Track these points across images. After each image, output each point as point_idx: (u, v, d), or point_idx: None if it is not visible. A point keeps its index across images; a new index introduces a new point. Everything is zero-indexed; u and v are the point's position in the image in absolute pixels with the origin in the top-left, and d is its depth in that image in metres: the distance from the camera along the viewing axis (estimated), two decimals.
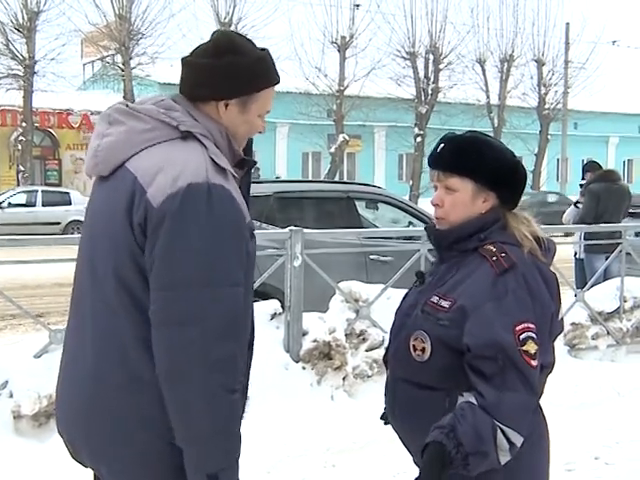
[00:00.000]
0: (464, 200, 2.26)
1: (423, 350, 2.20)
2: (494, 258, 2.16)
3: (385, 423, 2.53)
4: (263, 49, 2.17)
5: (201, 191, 1.94)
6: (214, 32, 2.18)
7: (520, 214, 2.33)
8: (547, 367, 2.25)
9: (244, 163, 2.18)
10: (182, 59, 2.15)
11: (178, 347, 1.91)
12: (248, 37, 2.21)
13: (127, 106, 2.12)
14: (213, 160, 2.01)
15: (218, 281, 1.94)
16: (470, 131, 2.40)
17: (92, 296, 2.09)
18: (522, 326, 2.07)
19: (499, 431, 2.03)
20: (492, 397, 2.05)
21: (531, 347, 2.06)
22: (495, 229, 2.26)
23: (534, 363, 2.07)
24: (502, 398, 2.04)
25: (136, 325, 1.99)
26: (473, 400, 2.07)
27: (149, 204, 1.94)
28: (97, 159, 2.10)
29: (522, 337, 2.06)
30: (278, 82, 2.18)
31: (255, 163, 2.24)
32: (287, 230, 5.61)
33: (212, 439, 1.94)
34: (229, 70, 2.07)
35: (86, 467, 2.21)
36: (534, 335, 2.08)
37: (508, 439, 2.03)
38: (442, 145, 2.31)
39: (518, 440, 2.05)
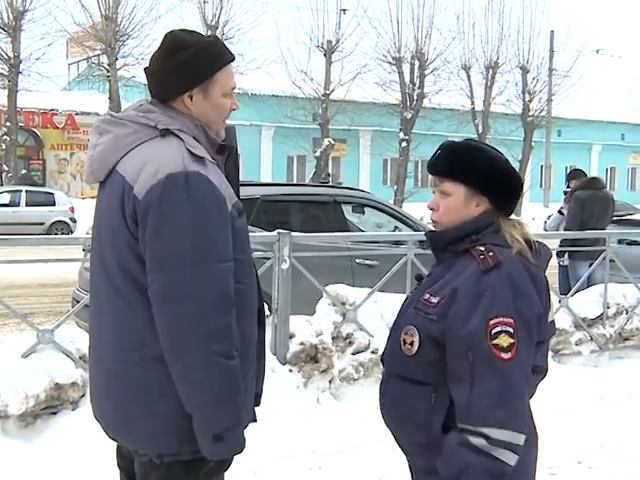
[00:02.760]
0: (457, 204, 2.33)
1: (412, 344, 2.28)
2: (481, 257, 2.24)
3: None
4: (210, 36, 2.44)
5: (179, 179, 2.16)
6: (164, 36, 2.41)
7: (514, 219, 2.40)
8: (537, 371, 2.31)
9: (224, 148, 2.42)
10: (144, 69, 2.42)
11: (176, 323, 2.14)
12: (196, 31, 2.46)
13: (112, 116, 2.39)
14: (190, 151, 2.23)
15: (205, 258, 2.15)
16: (467, 139, 2.48)
17: (106, 288, 2.31)
18: (496, 321, 2.13)
19: (470, 436, 2.10)
20: (462, 403, 2.14)
21: (503, 340, 2.12)
22: (488, 232, 2.32)
23: (506, 356, 2.12)
24: (471, 401, 2.12)
25: (145, 309, 2.20)
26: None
27: (136, 198, 2.18)
28: (92, 167, 2.37)
29: (494, 331, 2.12)
30: (232, 60, 2.41)
31: (233, 148, 2.47)
32: (275, 233, 5.62)
33: (216, 403, 2.17)
34: (180, 65, 2.30)
35: (117, 442, 2.46)
36: (510, 329, 2.13)
37: (487, 438, 2.09)
38: (438, 151, 2.39)
39: (499, 434, 2.09)
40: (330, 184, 16.68)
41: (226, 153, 2.43)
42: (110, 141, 2.31)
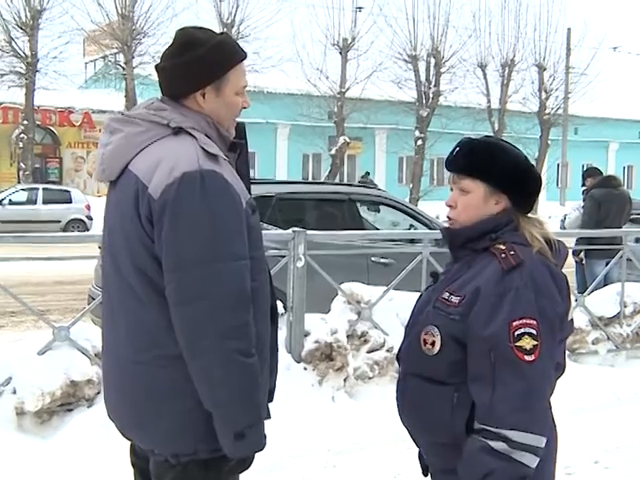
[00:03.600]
0: (476, 202, 2.31)
1: (433, 344, 2.26)
2: (503, 255, 2.21)
3: None
4: (222, 33, 2.41)
5: (195, 178, 2.14)
6: (176, 33, 2.39)
7: (533, 217, 2.37)
8: (556, 368, 2.29)
9: (236, 146, 2.41)
10: (155, 67, 2.39)
11: (193, 322, 2.13)
12: (208, 28, 2.43)
13: (123, 114, 2.37)
14: (204, 149, 2.21)
15: (220, 257, 2.14)
16: (486, 136, 2.46)
17: (119, 287, 2.30)
18: (519, 322, 2.11)
19: (491, 440, 2.09)
20: (483, 404, 2.13)
21: (526, 343, 2.10)
22: (507, 230, 2.30)
23: (529, 358, 2.10)
24: (493, 402, 2.11)
25: (160, 309, 2.19)
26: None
27: (151, 197, 2.16)
28: (103, 166, 2.35)
29: (517, 333, 2.11)
30: (244, 58, 2.38)
31: (245, 145, 2.44)
32: (290, 231, 5.63)
33: (236, 400, 2.15)
34: (192, 63, 2.28)
35: (132, 442, 2.47)
36: (533, 331, 2.11)
37: (508, 440, 2.08)
38: (457, 148, 2.36)
39: (521, 437, 2.08)
40: (369, 184, 16.62)
41: (238, 150, 2.42)
42: (121, 140, 2.29)
